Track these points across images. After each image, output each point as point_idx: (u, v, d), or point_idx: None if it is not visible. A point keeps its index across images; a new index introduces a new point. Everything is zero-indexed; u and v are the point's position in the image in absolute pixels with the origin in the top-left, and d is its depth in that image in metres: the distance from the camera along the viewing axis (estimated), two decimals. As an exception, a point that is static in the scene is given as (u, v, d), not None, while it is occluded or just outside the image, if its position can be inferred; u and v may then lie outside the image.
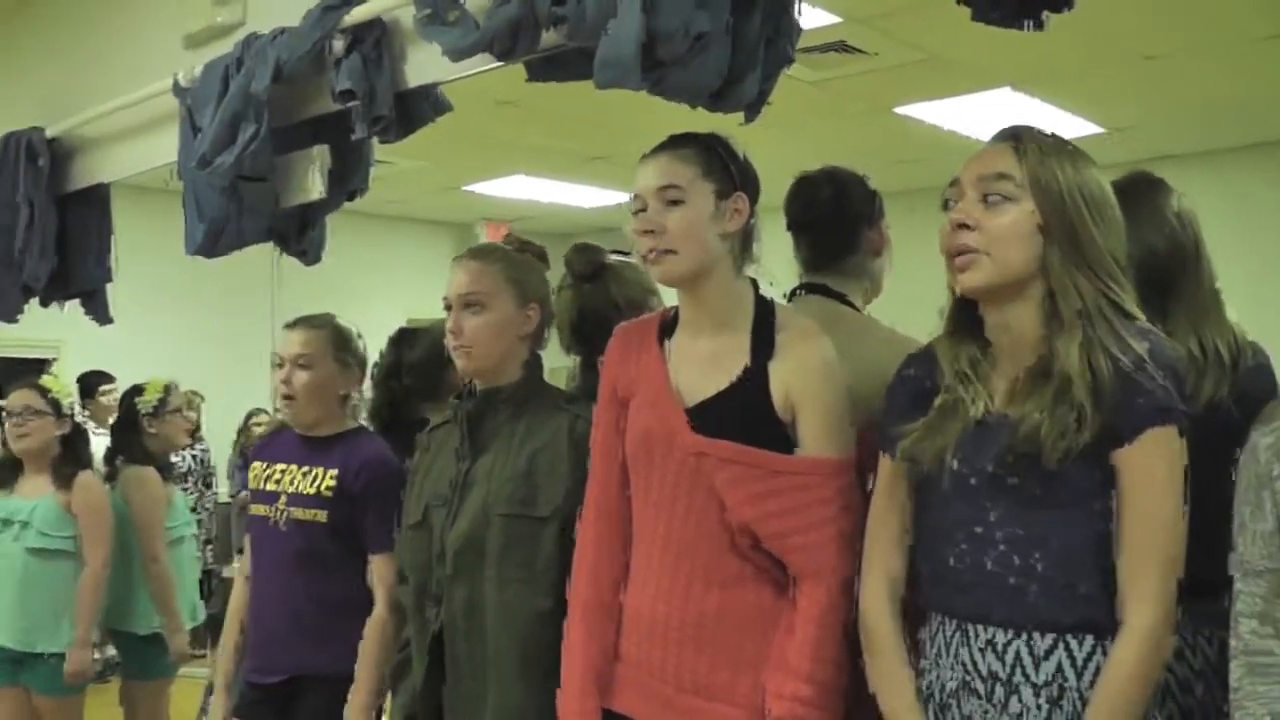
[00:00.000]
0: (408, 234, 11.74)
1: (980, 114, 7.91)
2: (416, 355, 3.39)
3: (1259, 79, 7.23)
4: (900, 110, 7.84)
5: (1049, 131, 2.02)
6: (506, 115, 7.63)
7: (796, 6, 2.39)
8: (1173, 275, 2.41)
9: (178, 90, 3.29)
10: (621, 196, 10.32)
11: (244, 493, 8.78)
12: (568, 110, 7.63)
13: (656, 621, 2.28)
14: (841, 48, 6.29)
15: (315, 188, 3.10)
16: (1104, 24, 5.78)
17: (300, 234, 3.29)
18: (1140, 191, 2.45)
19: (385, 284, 10.96)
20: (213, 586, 7.70)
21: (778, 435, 2.24)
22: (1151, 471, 1.84)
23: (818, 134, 7.75)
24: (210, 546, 8.59)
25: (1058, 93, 7.54)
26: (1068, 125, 8.04)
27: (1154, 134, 8.20)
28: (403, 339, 3.45)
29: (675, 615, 2.26)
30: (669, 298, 2.53)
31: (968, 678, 1.95)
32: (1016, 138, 1.98)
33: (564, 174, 9.83)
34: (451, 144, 7.74)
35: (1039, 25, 2.42)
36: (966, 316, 2.05)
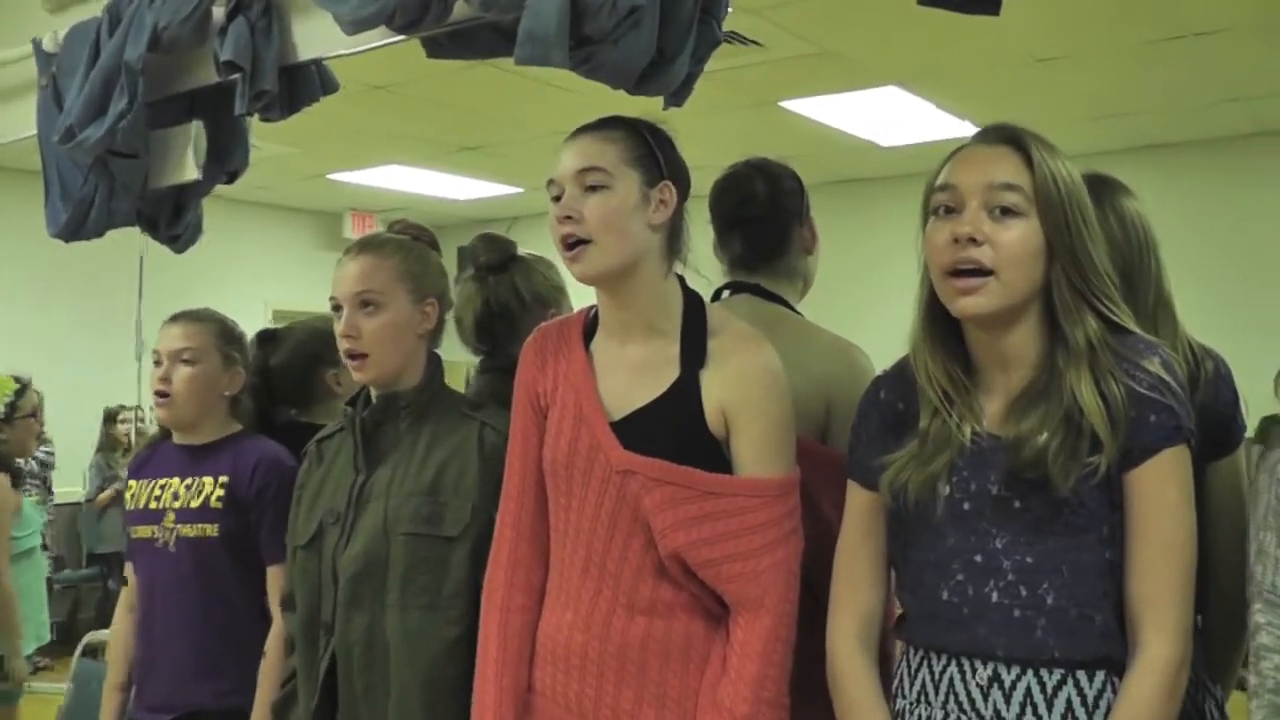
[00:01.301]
0: (270, 221, 11.34)
1: (866, 111, 7.98)
2: (281, 359, 3.18)
3: (1147, 83, 7.39)
4: (786, 104, 7.82)
5: (1035, 131, 1.88)
6: (379, 101, 7.47)
7: None
8: None
9: (40, 56, 3.03)
10: (496, 189, 10.34)
11: (102, 494, 8.60)
12: (443, 97, 7.52)
13: (573, 651, 2.12)
14: (729, 38, 6.19)
15: (190, 168, 2.88)
16: (996, 25, 5.76)
17: (174, 218, 3.05)
18: None
19: (246, 273, 10.64)
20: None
21: (711, 453, 2.10)
22: (1165, 494, 1.76)
23: (701, 126, 7.66)
24: (46, 551, 8.27)
25: (944, 93, 7.55)
26: (950, 126, 8.16)
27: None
28: (264, 341, 3.24)
29: (594, 645, 2.10)
30: (583, 298, 2.36)
31: (963, 717, 1.82)
32: (1019, 143, 1.84)
33: (436, 164, 9.68)
34: (320, 130, 7.53)
35: (995, 11, 2.27)
36: (939, 328, 1.90)
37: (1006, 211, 1.79)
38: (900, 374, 1.99)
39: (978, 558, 1.81)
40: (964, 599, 1.82)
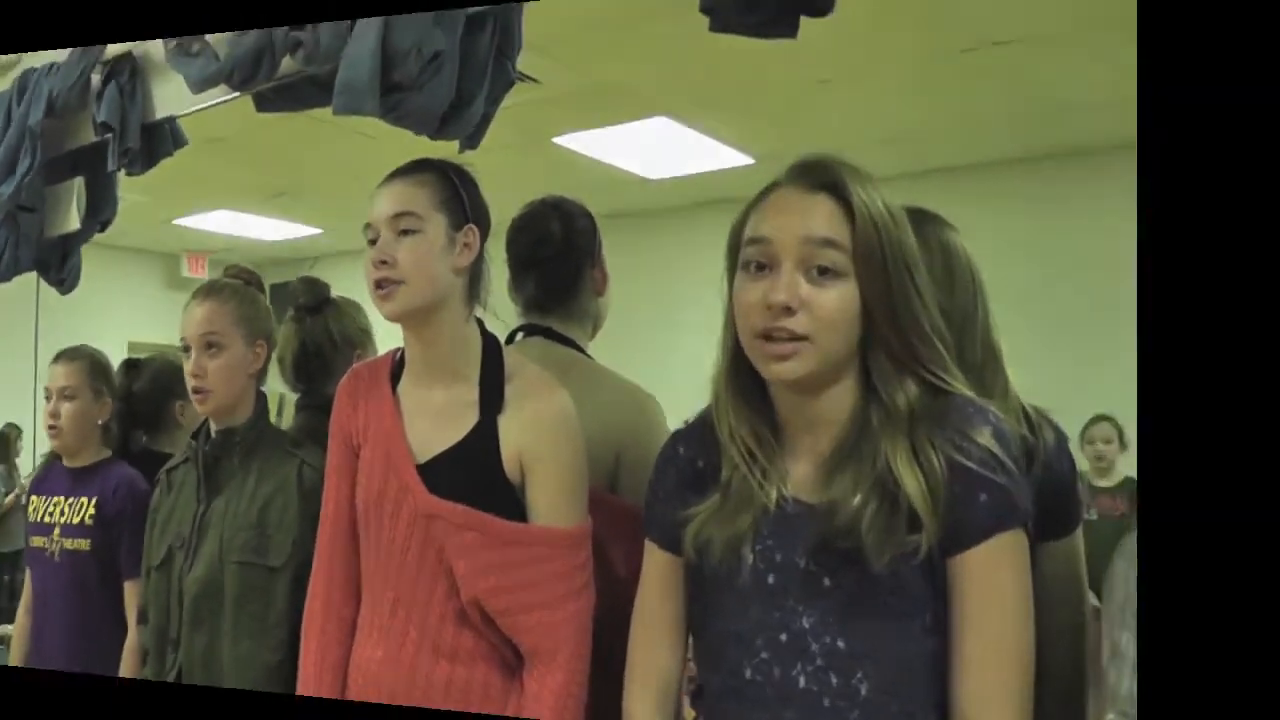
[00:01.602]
0: (125, 264, 12.14)
1: (635, 144, 7.79)
2: (142, 385, 3.44)
3: (931, 102, 7.05)
4: (559, 141, 7.68)
5: (855, 165, 1.65)
6: (215, 151, 7.73)
7: (520, 20, 2.26)
8: None
9: (-40, 124, 3.18)
10: (299, 230, 10.65)
11: (7, 499, 9.06)
12: (259, 145, 7.82)
13: (383, 689, 2.12)
14: (519, 77, 6.38)
15: (74, 219, 3.21)
16: (772, 47, 5.56)
17: (61, 264, 3.38)
18: None
19: (108, 309, 11.31)
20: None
21: (509, 500, 2.09)
22: (999, 583, 1.55)
23: (477, 165, 7.75)
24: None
25: (717, 120, 7.33)
26: (723, 156, 8.00)
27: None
28: (129, 368, 3.51)
29: (401, 686, 2.11)
30: (387, 340, 2.49)
31: None
32: (839, 189, 1.60)
33: (256, 208, 10.08)
34: (168, 178, 7.76)
35: (792, 34, 2.10)
36: (744, 383, 1.70)
37: (824, 271, 1.57)
38: (699, 428, 1.79)
39: (783, 636, 1.61)
40: (768, 679, 1.62)
